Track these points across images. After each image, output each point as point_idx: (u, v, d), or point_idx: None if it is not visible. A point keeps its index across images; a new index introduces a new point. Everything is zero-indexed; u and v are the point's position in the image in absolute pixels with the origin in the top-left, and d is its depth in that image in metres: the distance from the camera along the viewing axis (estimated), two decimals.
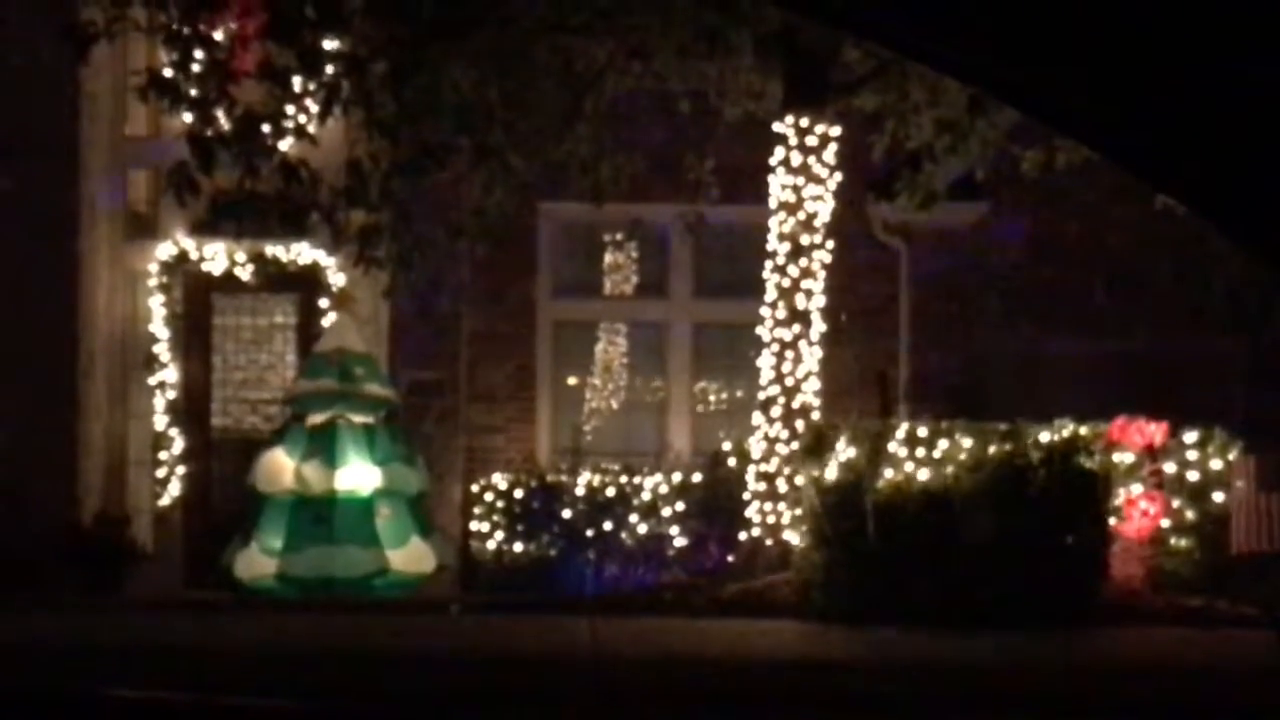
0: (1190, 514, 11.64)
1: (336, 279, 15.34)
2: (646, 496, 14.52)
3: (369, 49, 10.74)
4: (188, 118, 10.66)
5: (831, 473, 10.64)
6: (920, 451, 10.62)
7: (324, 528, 11.76)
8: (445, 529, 15.14)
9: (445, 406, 15.71)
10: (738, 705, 9.25)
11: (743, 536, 11.83)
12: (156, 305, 15.46)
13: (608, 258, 16.14)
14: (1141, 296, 15.89)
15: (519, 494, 14.78)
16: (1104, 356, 15.85)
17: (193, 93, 10.47)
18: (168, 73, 10.89)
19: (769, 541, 11.56)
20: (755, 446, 12.00)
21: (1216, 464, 11.73)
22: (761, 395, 12.00)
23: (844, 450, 10.68)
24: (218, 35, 10.55)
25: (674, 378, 16.10)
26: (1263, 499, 11.08)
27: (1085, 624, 10.70)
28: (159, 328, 15.41)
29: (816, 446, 10.85)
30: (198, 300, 15.67)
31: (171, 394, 15.27)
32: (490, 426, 15.98)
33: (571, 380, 16.13)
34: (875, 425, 11.06)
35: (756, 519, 11.78)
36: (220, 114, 10.57)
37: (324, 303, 15.23)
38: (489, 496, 14.85)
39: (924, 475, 10.56)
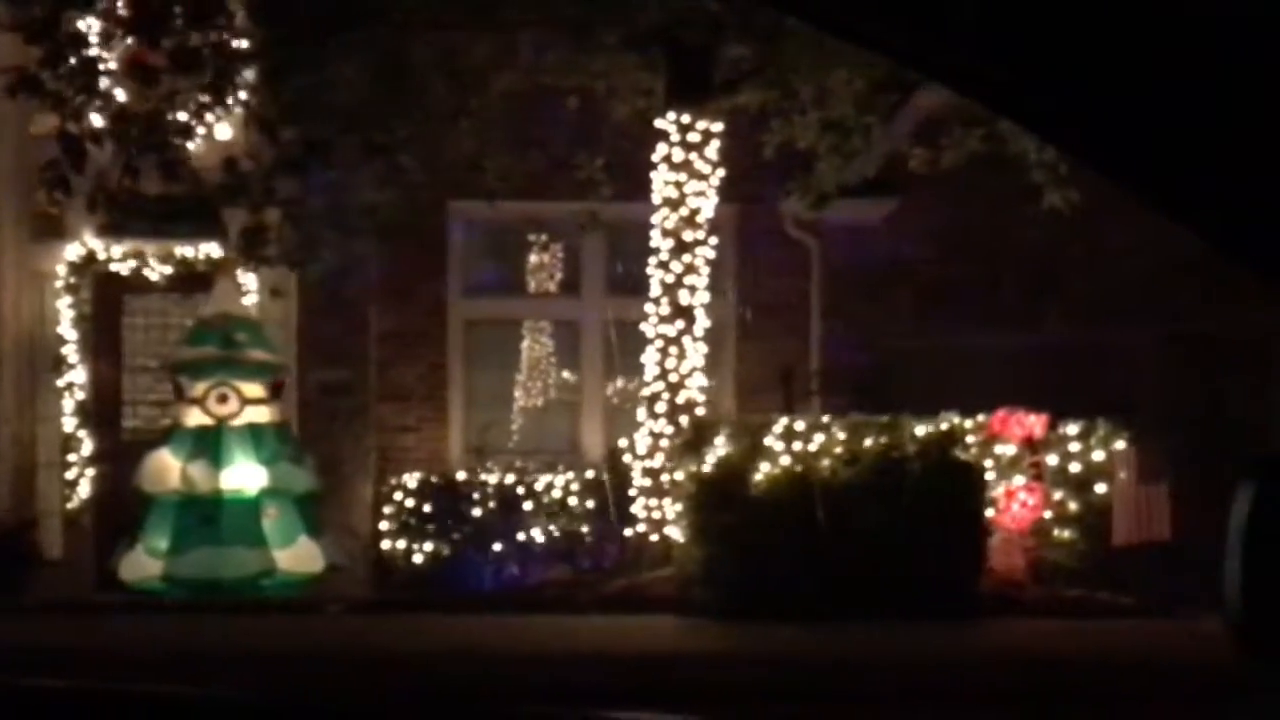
0: (1073, 505, 11.67)
1: (246, 278, 15.32)
2: (557, 494, 14.50)
3: (249, 46, 10.72)
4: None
5: (709, 468, 10.63)
6: (797, 445, 10.63)
7: (210, 528, 11.74)
8: (355, 529, 15.12)
9: (355, 406, 15.69)
10: (602, 700, 9.25)
11: (629, 533, 11.82)
12: (64, 307, 15.38)
13: (519, 256, 16.13)
14: (1052, 290, 15.95)
15: (429, 493, 14.76)
16: (1016, 350, 15.88)
17: (67, 90, 10.42)
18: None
19: (654, 537, 11.56)
20: (641, 442, 12.00)
21: (1099, 455, 11.76)
22: (646, 391, 12.00)
23: (723, 445, 10.68)
24: (87, 31, 10.49)
25: (586, 375, 16.09)
26: (1142, 490, 11.12)
27: (965, 616, 10.72)
28: (67, 329, 15.33)
29: (696, 442, 10.85)
30: (107, 301, 15.60)
31: (80, 396, 15.19)
32: (402, 426, 15.96)
33: (484, 379, 16.11)
34: (754, 420, 11.06)
35: (642, 515, 11.78)
36: (97, 112, 10.52)
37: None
38: (399, 496, 14.82)
39: (802, 469, 10.57)
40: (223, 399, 12.28)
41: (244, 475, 12.09)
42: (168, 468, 12.05)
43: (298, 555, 12.05)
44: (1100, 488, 11.65)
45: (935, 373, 15.58)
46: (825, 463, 10.61)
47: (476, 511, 14.42)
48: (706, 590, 10.70)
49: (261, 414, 12.63)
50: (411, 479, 14.93)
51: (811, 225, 15.94)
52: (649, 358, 11.99)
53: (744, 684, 9.48)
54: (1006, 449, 11.63)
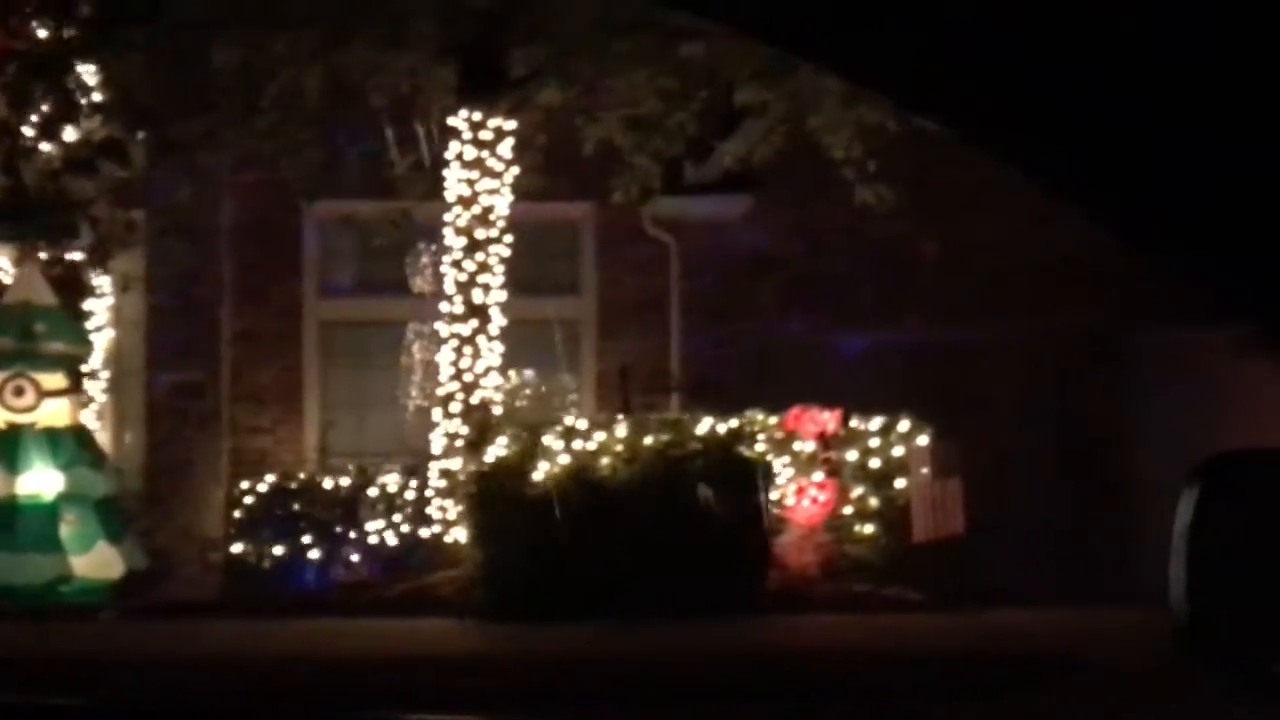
0: (873, 501, 11.53)
1: (100, 280, 15.31)
2: (410, 495, 14.38)
3: (25, 45, 10.65)
4: None
5: (488, 467, 10.52)
6: (578, 444, 10.52)
7: (5, 534, 11.63)
8: (207, 533, 15.03)
9: (206, 408, 15.61)
10: (355, 702, 9.14)
11: (426, 534, 11.72)
12: None
13: (377, 256, 15.98)
14: (912, 286, 15.84)
15: (277, 496, 14.67)
16: (877, 346, 15.79)
17: None
18: None
19: (448, 538, 11.46)
20: (436, 442, 11.89)
21: (898, 451, 11.63)
22: (441, 391, 11.89)
23: (504, 445, 10.56)
24: None
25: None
26: (938, 486, 11.00)
27: (748, 612, 10.57)
28: None
29: (479, 441, 10.73)
30: None
31: None
32: (256, 428, 15.86)
33: (340, 380, 16.00)
34: (536, 419, 10.94)
35: (437, 515, 11.66)
36: None
37: (87, 305, 15.19)
38: (249, 499, 14.73)
39: (580, 468, 10.44)
40: (19, 391, 12.14)
41: (40, 480, 11.98)
42: None
43: (95, 561, 11.95)
44: (900, 483, 11.51)
45: (796, 370, 15.47)
46: (605, 461, 10.49)
47: (319, 514, 14.32)
48: (487, 591, 10.58)
49: (61, 412, 12.49)
50: (262, 482, 14.83)
51: (670, 223, 15.84)
52: (443, 357, 11.89)
53: (510, 686, 9.37)
54: (803, 445, 11.50)
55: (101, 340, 15.32)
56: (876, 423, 11.71)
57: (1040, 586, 13.41)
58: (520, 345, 15.71)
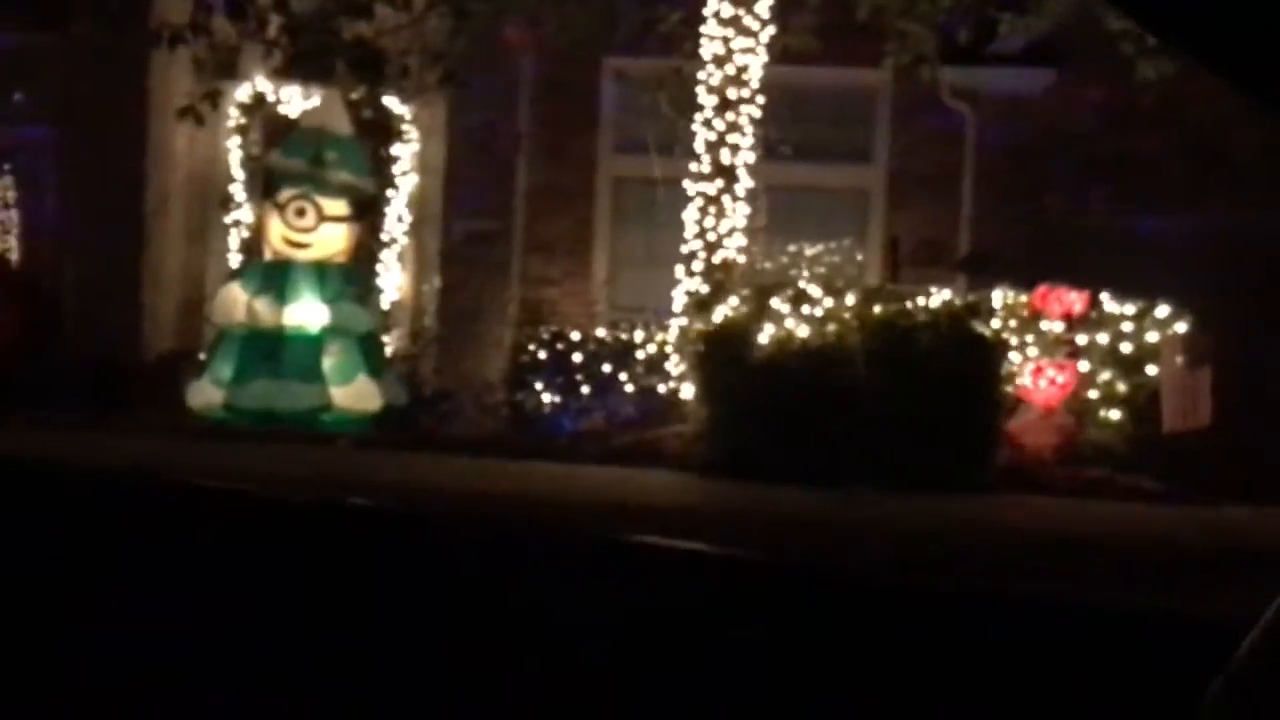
0: (1121, 386, 11.09)
1: (410, 129, 15.87)
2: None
3: None
4: None
5: (715, 327, 10.51)
6: (806, 310, 10.40)
7: (271, 362, 12.18)
8: (487, 377, 15.50)
9: (498, 257, 16.04)
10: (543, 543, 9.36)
11: (663, 389, 11.82)
12: (234, 146, 16.06)
13: (674, 114, 16.01)
14: (1222, 170, 15.12)
15: (559, 346, 15.02)
16: (1171, 230, 15.18)
17: None
18: None
19: (683, 394, 11.53)
20: (677, 300, 11.94)
21: (1153, 336, 11.14)
22: (684, 249, 11.91)
23: (732, 305, 10.53)
24: None
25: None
26: (1190, 375, 10.51)
27: (973, 490, 10.33)
28: (236, 169, 16.02)
29: (710, 300, 10.72)
30: (274, 143, 16.17)
31: (245, 234, 15.87)
32: (544, 279, 16.23)
33: (629, 236, 16.19)
34: (767, 280, 10.85)
35: (674, 371, 11.74)
36: None
37: (395, 149, 15.78)
38: (532, 347, 15.13)
39: (808, 333, 10.32)
40: (300, 212, 12.61)
41: (307, 312, 12.49)
42: (236, 301, 12.55)
43: (355, 393, 12.42)
44: (1150, 370, 11.05)
45: (1084, 251, 14.98)
46: (831, 328, 10.35)
47: (591, 366, 14.60)
48: (707, 448, 10.62)
49: (336, 241, 12.91)
50: (545, 331, 15.19)
51: (968, 94, 15.51)
52: (688, 215, 11.88)
53: (712, 537, 9.44)
54: (1050, 325, 11.14)
55: (405, 185, 15.86)
56: (1131, 307, 11.25)
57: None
58: (805, 212, 15.66)
